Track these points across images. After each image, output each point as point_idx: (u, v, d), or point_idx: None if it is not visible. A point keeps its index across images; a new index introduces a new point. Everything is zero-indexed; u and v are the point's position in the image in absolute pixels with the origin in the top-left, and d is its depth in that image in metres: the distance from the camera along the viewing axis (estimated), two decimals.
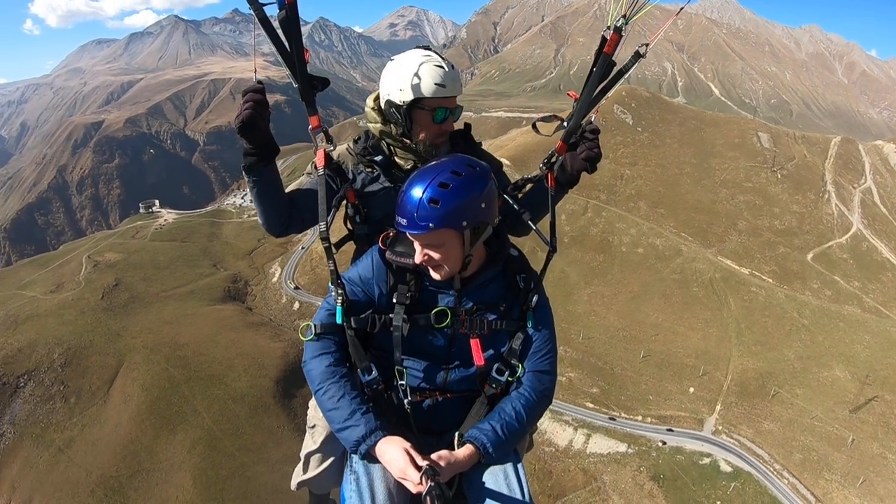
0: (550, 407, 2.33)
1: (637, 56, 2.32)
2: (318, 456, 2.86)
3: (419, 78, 2.45)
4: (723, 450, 52.17)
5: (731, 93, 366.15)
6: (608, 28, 2.30)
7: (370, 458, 2.06)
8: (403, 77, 2.47)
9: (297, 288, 76.49)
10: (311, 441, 2.90)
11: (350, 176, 2.69)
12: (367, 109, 2.76)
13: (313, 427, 2.91)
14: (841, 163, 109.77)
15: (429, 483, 1.77)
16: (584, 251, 78.78)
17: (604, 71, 2.40)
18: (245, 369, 56.28)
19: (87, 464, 47.78)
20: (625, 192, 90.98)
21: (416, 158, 2.69)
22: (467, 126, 2.94)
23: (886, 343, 65.63)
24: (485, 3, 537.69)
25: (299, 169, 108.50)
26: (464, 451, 2.08)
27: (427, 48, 2.59)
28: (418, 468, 1.85)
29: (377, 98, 2.70)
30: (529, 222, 2.58)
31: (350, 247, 2.87)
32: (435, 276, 2.15)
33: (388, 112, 2.60)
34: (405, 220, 1.99)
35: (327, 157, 2.53)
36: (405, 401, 2.21)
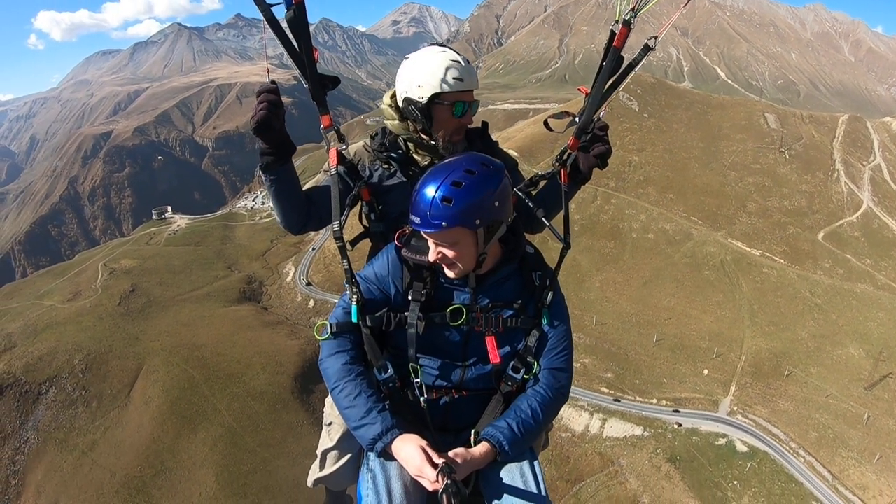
0: None
1: (647, 49, 2.37)
2: (334, 453, 2.91)
3: (437, 74, 2.50)
4: (738, 430, 52.25)
5: (737, 75, 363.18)
6: (616, 22, 2.30)
7: (386, 455, 2.07)
8: (421, 74, 2.53)
9: (309, 284, 77.37)
10: (328, 438, 2.94)
11: (366, 173, 2.71)
12: (383, 107, 2.82)
13: (330, 424, 2.93)
14: (849, 141, 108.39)
15: (445, 481, 1.78)
16: (595, 238, 78.71)
17: (614, 65, 2.41)
18: (263, 367, 56.72)
19: (110, 465, 48.17)
20: (633, 179, 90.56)
21: (433, 155, 2.74)
22: (485, 124, 2.98)
23: None
24: None
25: (309, 170, 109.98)
26: (480, 449, 2.09)
27: (441, 45, 2.63)
28: (434, 466, 1.88)
29: (394, 96, 2.74)
30: (544, 219, 2.61)
31: (363, 244, 2.92)
32: (449, 273, 2.17)
33: (406, 110, 2.63)
34: (418, 219, 2.01)
35: (340, 155, 2.54)
36: (421, 398, 2.22)
